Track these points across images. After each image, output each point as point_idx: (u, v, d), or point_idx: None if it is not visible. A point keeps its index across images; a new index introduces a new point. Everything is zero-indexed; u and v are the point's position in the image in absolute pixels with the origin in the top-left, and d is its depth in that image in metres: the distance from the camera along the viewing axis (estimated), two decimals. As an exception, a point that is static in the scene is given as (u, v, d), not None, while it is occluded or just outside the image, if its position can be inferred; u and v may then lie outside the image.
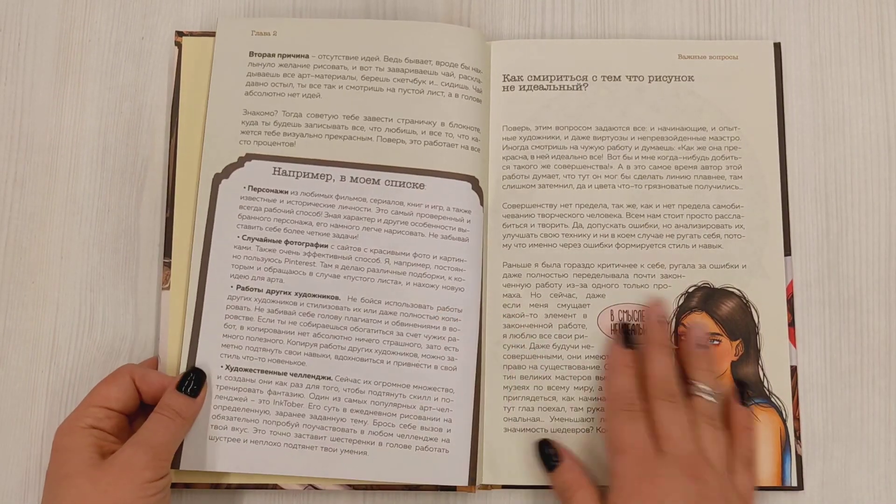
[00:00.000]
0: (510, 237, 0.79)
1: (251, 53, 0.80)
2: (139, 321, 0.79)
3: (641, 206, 0.79)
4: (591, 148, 0.80)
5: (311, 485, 0.74)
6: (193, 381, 0.73)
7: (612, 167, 0.80)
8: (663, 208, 0.79)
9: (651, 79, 0.81)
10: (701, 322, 0.77)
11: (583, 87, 0.81)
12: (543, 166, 0.80)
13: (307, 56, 0.80)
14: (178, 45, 0.81)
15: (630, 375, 0.73)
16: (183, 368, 0.75)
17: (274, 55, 0.80)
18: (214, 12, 0.83)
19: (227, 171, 0.78)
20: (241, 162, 0.78)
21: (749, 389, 0.76)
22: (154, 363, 0.76)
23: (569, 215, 0.79)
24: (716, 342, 0.77)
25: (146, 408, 0.73)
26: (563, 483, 0.72)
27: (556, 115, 0.81)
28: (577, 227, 0.79)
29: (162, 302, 0.77)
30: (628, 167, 0.80)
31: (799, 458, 0.76)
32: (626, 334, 0.76)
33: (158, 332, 0.78)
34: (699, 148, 0.80)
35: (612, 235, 0.79)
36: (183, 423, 0.71)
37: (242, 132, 0.79)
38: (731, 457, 0.71)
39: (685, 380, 0.73)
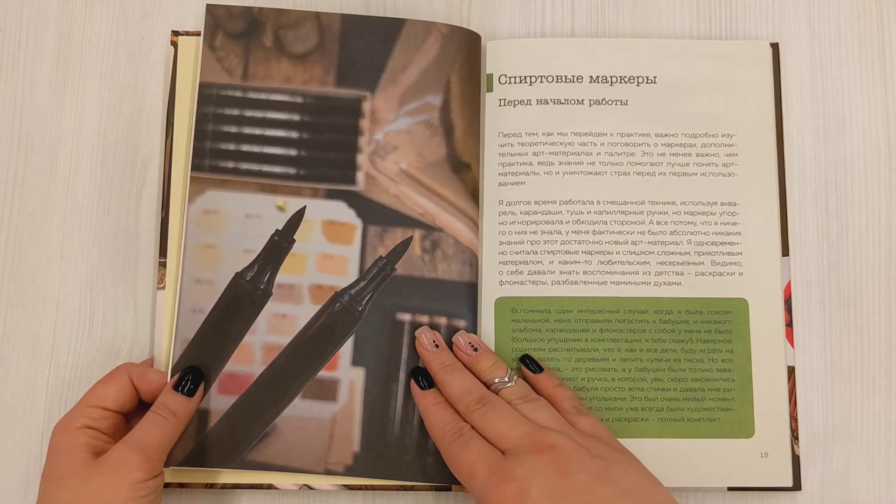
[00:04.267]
0: (504, 234, 0.79)
1: None
2: (139, 321, 0.79)
3: (636, 203, 0.79)
4: (587, 146, 0.80)
5: (306, 485, 0.74)
6: (190, 381, 0.73)
7: (607, 166, 0.79)
8: (661, 206, 0.79)
9: (648, 79, 0.81)
10: (461, 329, 0.77)
11: (579, 87, 0.81)
12: (540, 163, 0.80)
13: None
14: (174, 44, 0.81)
15: (442, 408, 0.72)
16: (172, 364, 0.75)
17: None
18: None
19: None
20: None
21: (530, 360, 0.76)
22: (150, 363, 0.76)
23: (566, 212, 0.79)
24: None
25: (144, 406, 0.73)
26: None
27: (553, 114, 0.81)
28: (576, 223, 0.79)
29: (157, 302, 0.77)
30: (623, 165, 0.80)
31: (796, 459, 0.75)
32: (417, 376, 0.75)
33: (154, 332, 0.78)
34: (697, 147, 0.80)
35: (606, 232, 0.79)
36: (177, 422, 0.71)
37: None
38: (563, 413, 0.71)
39: (484, 384, 0.73)
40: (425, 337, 0.75)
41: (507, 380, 0.72)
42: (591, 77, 0.81)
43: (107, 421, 0.70)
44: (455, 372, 0.73)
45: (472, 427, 0.70)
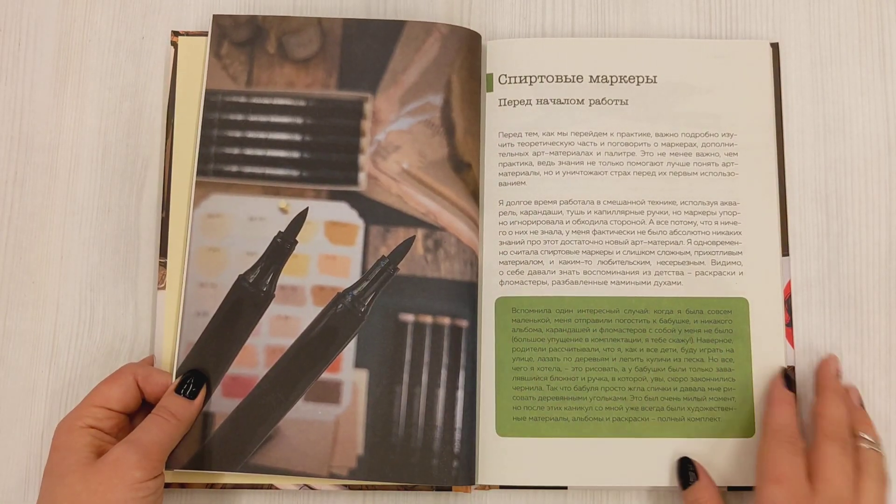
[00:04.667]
0: (505, 233, 0.79)
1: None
2: (139, 321, 0.79)
3: (636, 203, 0.79)
4: (588, 145, 0.80)
5: (306, 485, 0.75)
6: (192, 384, 0.73)
7: (607, 166, 0.79)
8: (661, 205, 0.79)
9: (648, 79, 0.81)
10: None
11: (579, 87, 0.81)
12: (540, 163, 0.80)
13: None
14: (175, 44, 0.81)
15: (791, 413, 0.73)
16: (177, 368, 0.75)
17: None
18: (214, 12, 0.83)
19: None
20: None
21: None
22: (151, 361, 0.76)
23: (566, 211, 0.79)
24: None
25: (148, 407, 0.73)
26: (696, 500, 0.73)
27: (553, 114, 0.81)
28: (576, 223, 0.79)
29: (157, 302, 0.77)
30: (623, 165, 0.80)
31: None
32: (787, 378, 0.76)
33: (154, 332, 0.78)
34: (698, 147, 0.80)
35: (607, 232, 0.79)
36: (178, 424, 0.71)
37: None
38: None
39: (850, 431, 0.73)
40: (833, 366, 0.77)
41: (876, 445, 0.72)
42: (591, 77, 0.81)
43: (110, 421, 0.70)
44: (842, 403, 0.74)
45: (811, 446, 0.71)
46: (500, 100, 0.81)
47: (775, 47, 0.82)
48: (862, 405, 0.75)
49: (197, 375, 0.74)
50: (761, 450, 0.72)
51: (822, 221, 0.81)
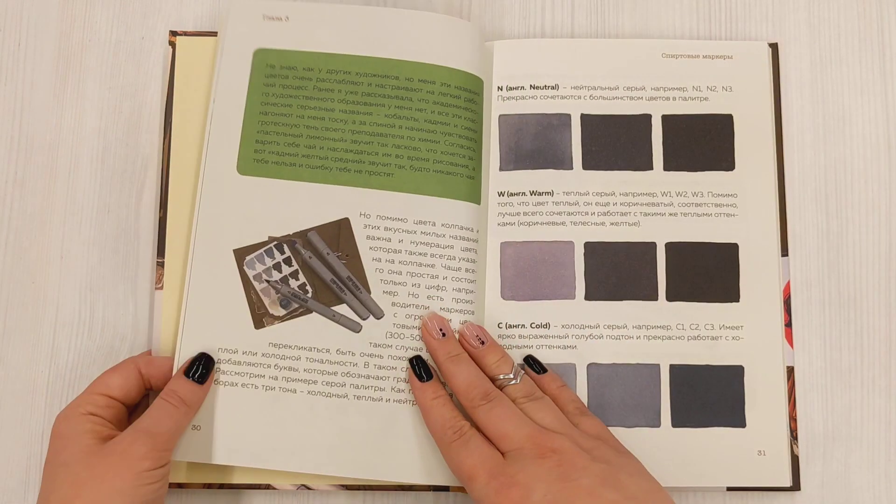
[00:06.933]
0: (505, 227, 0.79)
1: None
2: (138, 321, 0.79)
3: (633, 192, 0.79)
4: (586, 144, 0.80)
5: (303, 485, 0.75)
6: (202, 366, 0.72)
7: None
8: (657, 207, 0.79)
9: (645, 80, 0.81)
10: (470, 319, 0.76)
11: (577, 93, 0.81)
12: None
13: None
14: (173, 45, 0.81)
15: (442, 404, 0.71)
16: (175, 369, 0.74)
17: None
18: (214, 12, 0.84)
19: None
20: None
21: (534, 361, 0.75)
22: (149, 355, 0.76)
23: (564, 204, 0.79)
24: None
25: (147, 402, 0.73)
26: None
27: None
28: (578, 214, 0.79)
29: (155, 302, 0.77)
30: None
31: (795, 459, 0.75)
32: (416, 367, 0.73)
33: (152, 332, 0.78)
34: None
35: (604, 224, 0.78)
36: (187, 411, 0.70)
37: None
38: (567, 414, 0.70)
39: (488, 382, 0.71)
40: (432, 324, 0.74)
41: (512, 376, 0.71)
42: (586, 75, 0.81)
43: (111, 409, 0.70)
44: (461, 363, 0.72)
45: (475, 423, 0.69)
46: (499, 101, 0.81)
47: (774, 47, 0.82)
48: (482, 341, 0.73)
49: (206, 358, 0.73)
50: (445, 458, 0.70)
51: (822, 221, 0.80)
